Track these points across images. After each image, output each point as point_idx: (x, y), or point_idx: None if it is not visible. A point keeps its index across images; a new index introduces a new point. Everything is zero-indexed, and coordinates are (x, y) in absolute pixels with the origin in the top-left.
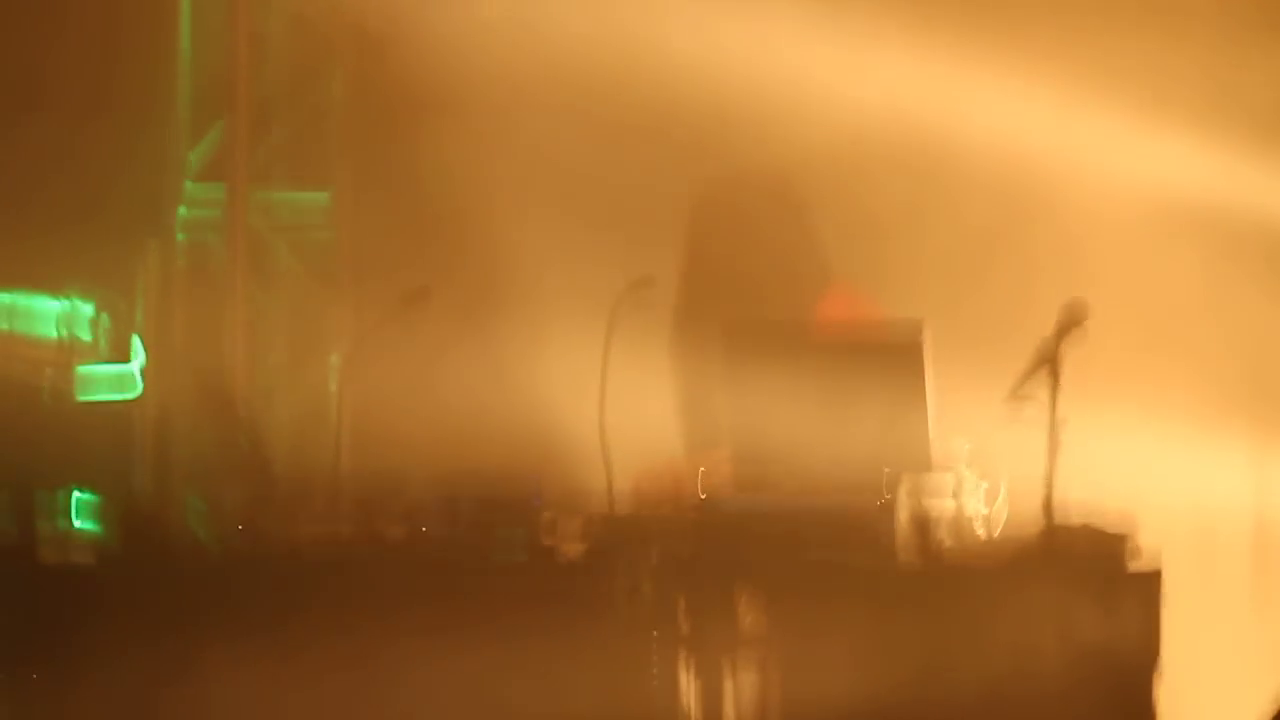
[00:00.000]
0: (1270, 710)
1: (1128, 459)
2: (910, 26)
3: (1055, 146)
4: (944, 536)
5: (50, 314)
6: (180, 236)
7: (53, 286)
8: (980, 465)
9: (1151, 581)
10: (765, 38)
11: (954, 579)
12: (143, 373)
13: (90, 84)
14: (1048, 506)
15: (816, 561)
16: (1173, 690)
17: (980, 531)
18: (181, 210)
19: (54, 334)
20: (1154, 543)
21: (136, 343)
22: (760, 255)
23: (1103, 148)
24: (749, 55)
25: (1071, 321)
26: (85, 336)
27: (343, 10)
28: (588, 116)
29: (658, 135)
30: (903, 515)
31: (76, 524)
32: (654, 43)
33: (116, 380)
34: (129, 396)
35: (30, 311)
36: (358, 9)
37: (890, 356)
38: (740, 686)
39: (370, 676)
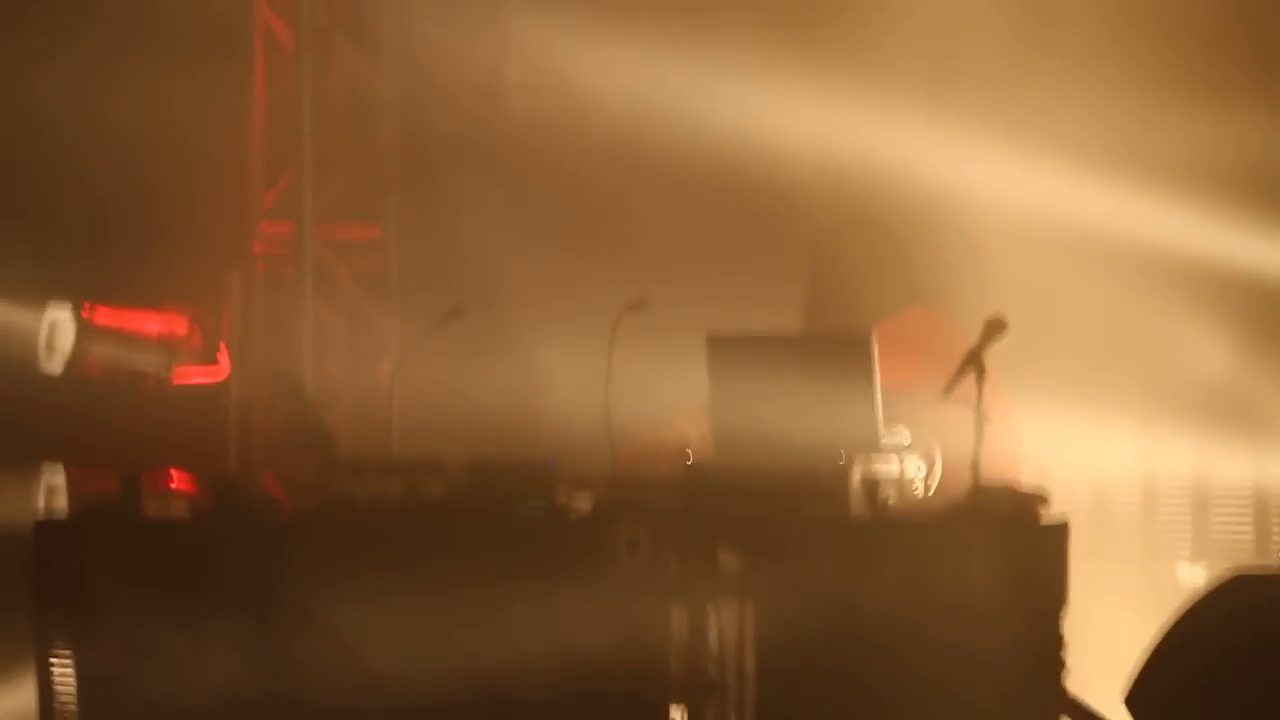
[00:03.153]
0: (1157, 635)
1: (1040, 436)
2: (876, 87)
3: (983, 186)
4: (889, 496)
5: (154, 324)
6: (258, 263)
7: (156, 302)
8: (919, 442)
9: (1059, 533)
10: (740, 93)
11: (898, 531)
12: (228, 372)
13: (184, 139)
14: (974, 473)
15: (784, 516)
16: (1077, 622)
17: (919, 493)
18: (258, 242)
19: (156, 340)
20: (1060, 502)
21: (222, 348)
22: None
23: (1020, 187)
24: (730, 107)
25: (993, 329)
26: (183, 335)
27: (391, 76)
28: (594, 159)
29: (651, 175)
30: (855, 479)
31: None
32: (646, 97)
33: (207, 377)
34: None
35: (138, 321)
36: (404, 76)
37: (846, 356)
38: (722, 621)
39: (411, 610)
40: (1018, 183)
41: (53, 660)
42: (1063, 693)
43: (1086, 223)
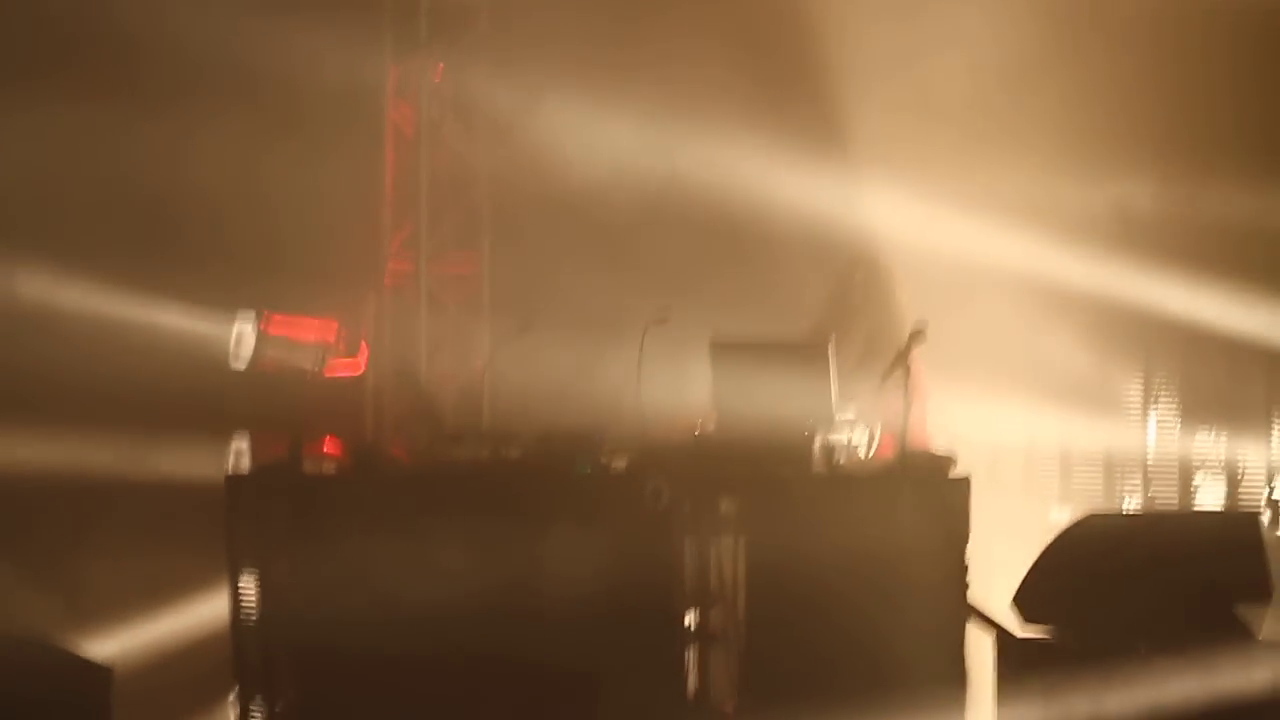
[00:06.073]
0: (1035, 557)
1: (951, 415)
2: (843, 156)
3: (919, 235)
4: (841, 458)
5: (313, 328)
6: (387, 287)
7: (316, 312)
8: (862, 418)
9: (963, 485)
10: (737, 160)
11: (847, 484)
12: (366, 363)
13: (337, 198)
14: (902, 441)
15: (766, 473)
16: (977, 550)
17: (862, 455)
18: (388, 272)
19: (313, 343)
20: (965, 462)
21: (361, 349)
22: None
23: (940, 230)
24: (730, 171)
25: (917, 335)
26: (333, 341)
27: (485, 153)
28: (630, 212)
29: (672, 223)
30: (817, 446)
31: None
32: (669, 165)
33: (350, 371)
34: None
35: (300, 329)
36: (495, 152)
37: (810, 357)
38: (721, 550)
39: (494, 540)
40: (940, 227)
41: (240, 577)
42: (967, 600)
43: (990, 260)
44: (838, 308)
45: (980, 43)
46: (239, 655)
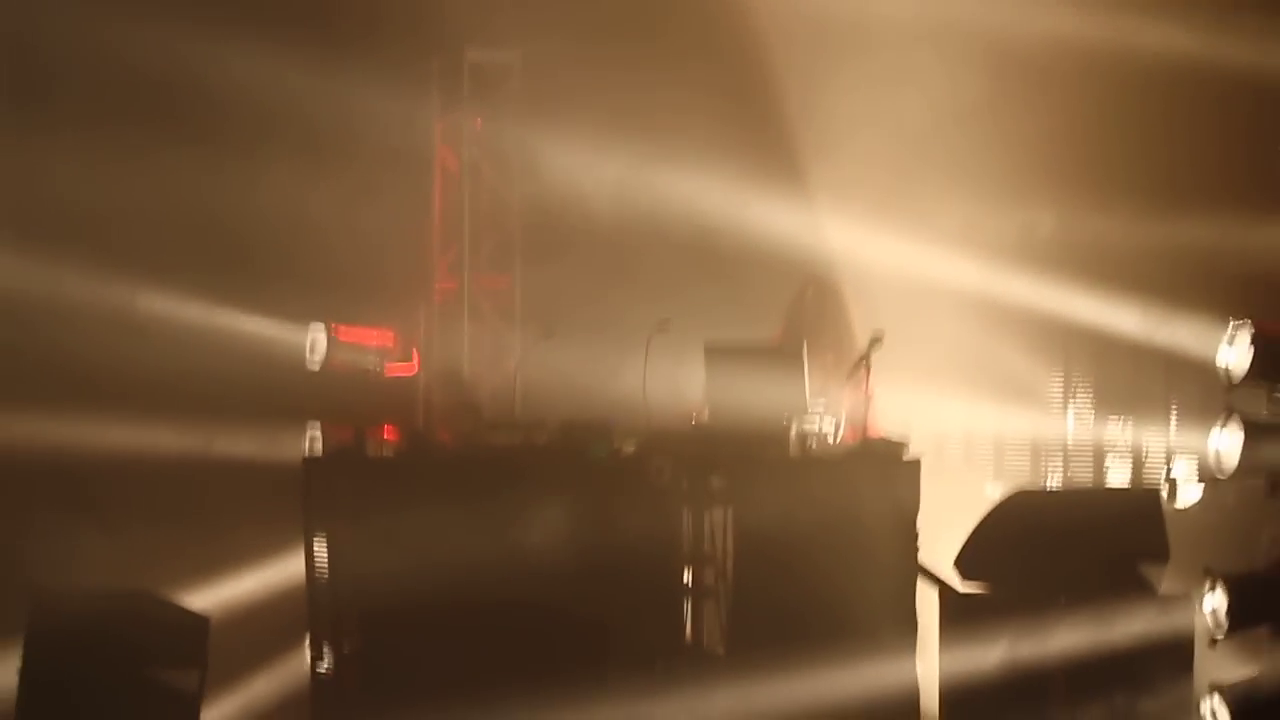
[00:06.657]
0: (974, 526)
1: (906, 406)
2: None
3: (873, 255)
4: (812, 443)
5: (374, 338)
6: (436, 301)
7: (375, 324)
8: (830, 409)
9: (915, 466)
10: (726, 190)
11: (818, 465)
12: (418, 365)
13: (395, 226)
14: (863, 429)
15: (752, 454)
16: (925, 521)
17: (830, 440)
18: (437, 288)
19: (375, 348)
20: (916, 446)
21: (414, 353)
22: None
23: (895, 255)
24: (719, 199)
25: (875, 341)
26: (391, 346)
27: (516, 188)
28: (640, 235)
29: (675, 244)
30: (793, 432)
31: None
32: (674, 195)
33: (405, 371)
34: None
35: (364, 336)
36: (524, 188)
37: (786, 358)
38: (713, 519)
39: (524, 507)
40: (891, 247)
41: (314, 542)
42: (916, 561)
43: (933, 276)
44: (795, 320)
45: (924, 96)
46: (312, 608)
